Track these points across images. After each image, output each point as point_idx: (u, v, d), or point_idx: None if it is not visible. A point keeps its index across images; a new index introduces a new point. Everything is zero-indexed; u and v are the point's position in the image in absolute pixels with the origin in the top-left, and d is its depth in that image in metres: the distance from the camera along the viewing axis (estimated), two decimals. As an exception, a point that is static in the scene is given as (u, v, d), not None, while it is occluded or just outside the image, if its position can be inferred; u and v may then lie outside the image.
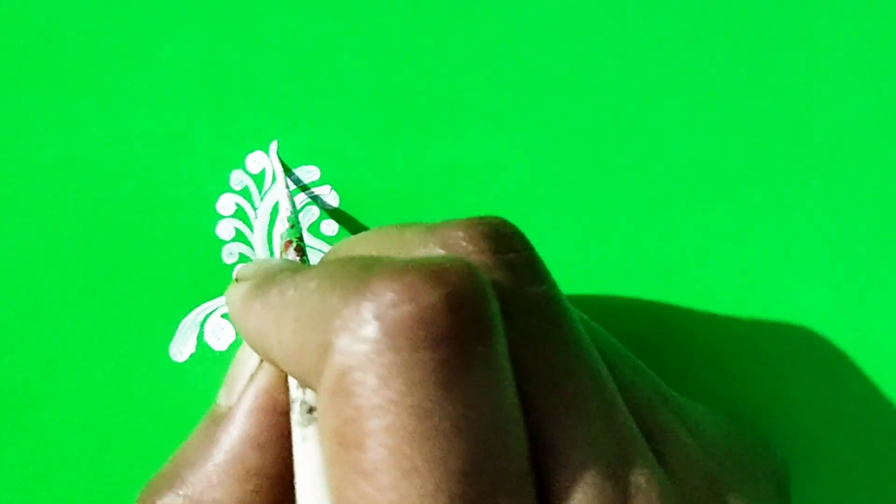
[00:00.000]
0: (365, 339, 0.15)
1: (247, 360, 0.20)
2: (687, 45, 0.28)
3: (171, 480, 0.20)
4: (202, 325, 0.27)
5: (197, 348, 0.27)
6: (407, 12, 0.28)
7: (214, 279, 0.27)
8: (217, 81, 0.28)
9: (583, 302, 0.27)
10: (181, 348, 0.27)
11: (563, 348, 0.17)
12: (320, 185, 0.27)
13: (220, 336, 0.27)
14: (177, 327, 0.27)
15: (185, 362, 0.27)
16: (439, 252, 0.17)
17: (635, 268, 0.27)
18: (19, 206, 0.27)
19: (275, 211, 0.27)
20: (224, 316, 0.27)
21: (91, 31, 0.28)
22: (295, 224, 0.25)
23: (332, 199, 0.27)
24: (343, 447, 0.15)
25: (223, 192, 0.27)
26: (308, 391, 0.18)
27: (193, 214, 0.27)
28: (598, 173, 0.27)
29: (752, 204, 0.27)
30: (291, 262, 0.22)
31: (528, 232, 0.27)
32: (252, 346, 0.19)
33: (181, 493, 0.19)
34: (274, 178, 0.27)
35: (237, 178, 0.27)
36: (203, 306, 0.27)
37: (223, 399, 0.20)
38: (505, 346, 0.16)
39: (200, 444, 0.20)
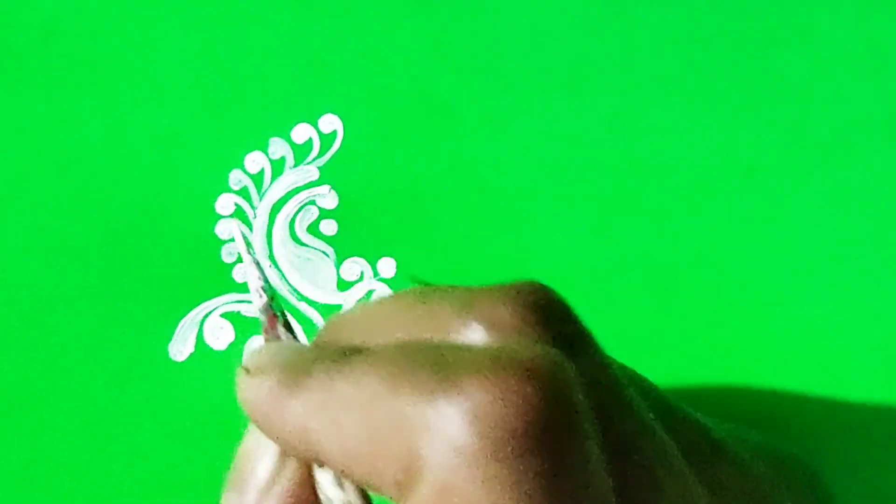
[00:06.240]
0: (462, 449, 0.14)
1: (259, 456, 0.18)
2: (687, 45, 0.28)
3: None
4: (201, 325, 0.27)
5: (196, 348, 0.27)
6: (406, 13, 0.28)
7: (214, 279, 0.27)
8: (216, 81, 0.28)
9: (583, 302, 0.27)
10: (180, 348, 0.27)
11: (631, 422, 0.16)
12: (319, 185, 0.27)
13: (219, 336, 0.27)
14: (176, 327, 0.27)
15: (185, 362, 0.27)
16: (482, 331, 0.16)
17: (635, 268, 0.27)
18: (19, 205, 0.27)
19: (274, 211, 0.27)
20: (223, 315, 0.27)
21: (91, 30, 0.28)
22: (274, 295, 0.22)
23: (331, 199, 0.27)
24: None
25: (222, 192, 0.27)
26: (348, 489, 0.17)
27: (192, 214, 0.27)
28: (599, 173, 0.27)
29: (751, 204, 0.27)
30: (309, 347, 0.19)
31: (528, 232, 0.27)
32: (287, 446, 0.17)
33: None
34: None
35: (236, 178, 0.27)
36: (202, 306, 0.27)
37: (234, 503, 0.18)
38: (598, 435, 0.15)
39: None
